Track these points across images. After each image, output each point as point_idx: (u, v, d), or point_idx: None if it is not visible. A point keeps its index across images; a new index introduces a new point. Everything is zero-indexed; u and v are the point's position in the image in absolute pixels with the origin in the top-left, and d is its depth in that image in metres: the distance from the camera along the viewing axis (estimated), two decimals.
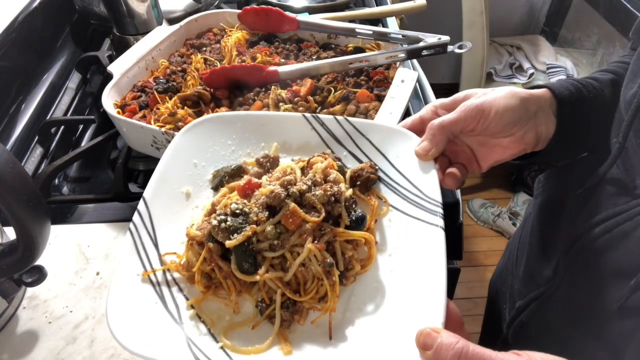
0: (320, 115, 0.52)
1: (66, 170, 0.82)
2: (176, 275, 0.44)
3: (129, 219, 0.69)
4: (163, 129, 0.64)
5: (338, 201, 0.44)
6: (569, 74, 1.87)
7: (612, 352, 0.44)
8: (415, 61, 1.05)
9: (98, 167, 0.83)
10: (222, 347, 0.39)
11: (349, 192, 0.46)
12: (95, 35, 1.12)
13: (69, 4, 1.07)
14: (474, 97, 0.48)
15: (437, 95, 1.01)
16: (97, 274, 0.62)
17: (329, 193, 0.44)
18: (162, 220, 0.45)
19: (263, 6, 0.84)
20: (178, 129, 0.65)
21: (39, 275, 0.55)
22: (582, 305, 0.48)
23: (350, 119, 0.52)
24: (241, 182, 0.46)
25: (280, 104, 0.65)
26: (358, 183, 0.48)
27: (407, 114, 0.86)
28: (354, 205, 0.45)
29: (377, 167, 0.50)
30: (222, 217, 0.42)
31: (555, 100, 0.49)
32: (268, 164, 0.50)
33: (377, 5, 1.17)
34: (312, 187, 0.44)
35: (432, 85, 1.04)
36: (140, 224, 0.44)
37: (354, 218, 0.44)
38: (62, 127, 0.87)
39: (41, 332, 0.56)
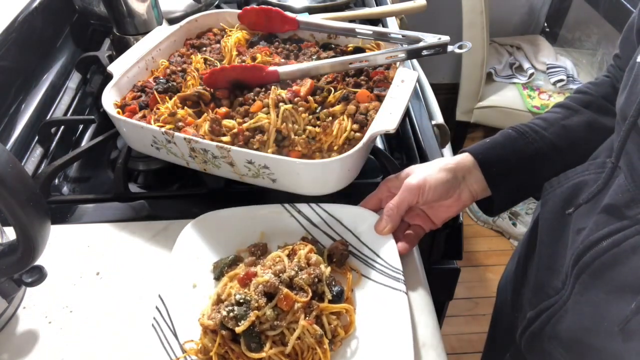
0: (297, 205, 0.64)
1: (66, 170, 0.82)
2: (194, 358, 0.52)
3: (129, 219, 0.70)
4: (163, 129, 0.64)
5: (320, 281, 0.55)
6: (569, 74, 1.87)
7: None
8: (415, 61, 1.05)
9: (98, 167, 0.83)
10: None
11: (328, 270, 0.57)
12: (95, 35, 1.12)
13: (69, 3, 1.07)
14: (413, 175, 0.60)
15: (437, 96, 1.02)
16: (97, 274, 0.62)
17: (312, 275, 0.54)
18: (177, 312, 0.54)
19: (263, 6, 0.84)
20: (178, 129, 0.65)
21: (39, 275, 0.55)
22: (590, 321, 0.47)
23: (322, 205, 0.64)
24: (240, 272, 0.56)
25: (281, 104, 0.65)
26: (334, 260, 0.60)
27: (407, 114, 0.86)
28: (333, 282, 0.57)
29: (347, 243, 0.62)
30: (230, 307, 0.51)
31: (477, 163, 0.59)
32: (259, 252, 0.61)
33: (377, 5, 1.17)
34: (299, 272, 0.55)
35: (432, 85, 1.04)
36: (160, 319, 0.53)
37: (334, 293, 0.55)
38: (62, 127, 0.87)
39: (41, 333, 0.56)
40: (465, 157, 0.60)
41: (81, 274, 0.62)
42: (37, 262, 0.53)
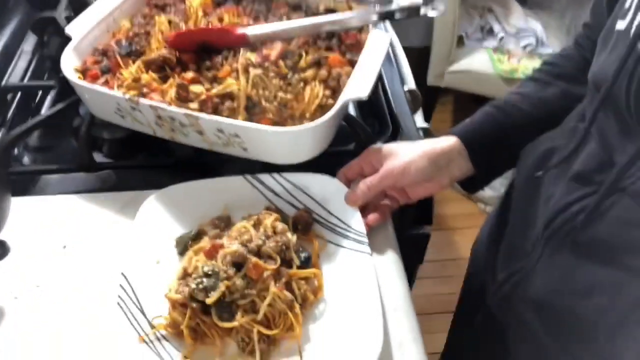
0: (259, 175, 0.64)
1: (26, 140, 0.78)
2: (163, 332, 0.52)
3: (95, 190, 0.68)
4: (127, 96, 0.61)
5: (288, 248, 0.56)
6: (538, 37, 1.88)
7: (587, 328, 0.46)
8: (388, 24, 1.03)
9: (60, 136, 0.80)
10: None
11: (294, 238, 0.57)
12: None
13: None
14: (394, 158, 0.60)
15: (410, 59, 1.00)
16: (64, 247, 0.61)
17: (279, 243, 0.55)
18: (142, 289, 0.54)
19: None
20: (143, 95, 0.62)
21: (2, 250, 0.53)
22: (559, 283, 0.49)
23: (284, 174, 0.64)
24: (205, 245, 0.56)
25: (250, 69, 0.63)
26: (299, 227, 0.61)
27: (379, 79, 0.85)
28: (300, 249, 0.58)
29: (311, 210, 0.63)
30: (199, 279, 0.51)
31: (464, 146, 0.60)
32: (222, 224, 0.61)
33: None
34: (266, 240, 0.55)
35: (404, 48, 1.02)
36: (125, 297, 0.53)
37: (302, 259, 0.56)
38: (20, 93, 0.83)
39: (8, 309, 0.55)
40: (452, 143, 0.60)
41: (47, 248, 0.60)
42: (0, 237, 0.51)
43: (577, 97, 0.57)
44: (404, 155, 0.60)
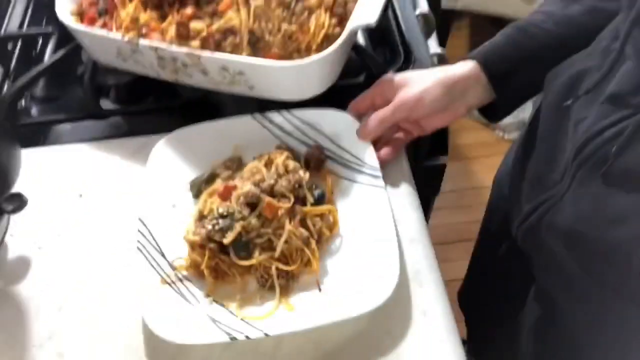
0: (268, 114, 0.63)
1: (32, 90, 0.77)
2: (184, 273, 0.54)
3: (106, 137, 0.68)
4: (126, 38, 0.59)
5: (301, 186, 0.55)
6: None
7: (620, 257, 0.45)
8: None
9: (66, 84, 0.78)
10: (242, 319, 0.50)
11: (307, 175, 0.57)
12: None
13: None
14: (407, 88, 0.57)
15: None
16: (80, 196, 0.61)
17: (292, 182, 0.55)
18: (160, 232, 0.55)
19: None
20: (143, 35, 0.60)
21: (20, 202, 0.53)
22: (588, 211, 0.47)
23: (293, 111, 0.62)
24: (218, 187, 0.56)
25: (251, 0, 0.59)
26: (311, 165, 0.60)
27: (389, 3, 0.81)
28: (313, 186, 0.57)
29: (323, 147, 0.61)
30: (214, 221, 0.52)
31: (485, 73, 0.56)
32: (234, 166, 0.60)
33: None
34: (278, 179, 0.55)
35: None
36: (144, 241, 0.54)
37: (316, 196, 0.56)
38: (20, 42, 0.81)
39: (33, 258, 0.56)
40: (469, 69, 0.57)
41: (64, 198, 0.61)
42: (17, 189, 0.51)
43: (608, 13, 0.52)
44: (417, 84, 0.58)
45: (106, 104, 0.72)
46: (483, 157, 1.80)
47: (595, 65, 0.49)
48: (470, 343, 1.16)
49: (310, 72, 0.58)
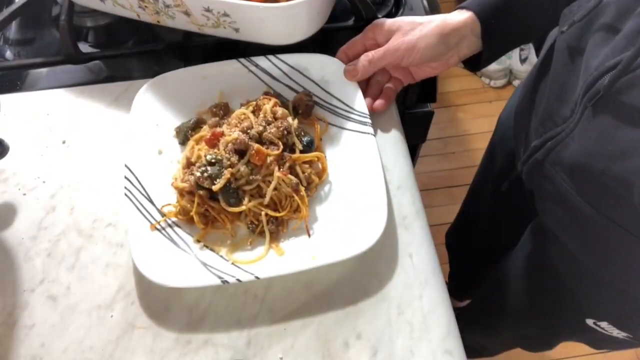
0: (254, 58, 0.61)
1: (5, 32, 0.74)
2: (174, 219, 0.53)
3: (87, 82, 0.66)
4: None
5: (290, 133, 0.55)
6: None
7: (623, 189, 0.45)
8: None
9: (40, 26, 0.75)
10: (232, 263, 0.51)
11: (295, 122, 0.57)
12: None
13: None
14: (401, 34, 0.57)
15: None
16: (64, 142, 0.60)
17: (281, 128, 0.54)
18: (147, 179, 0.54)
19: None
20: None
21: (1, 148, 0.53)
22: (596, 145, 0.47)
23: (281, 56, 0.61)
24: (205, 134, 0.55)
25: None
26: (300, 111, 0.59)
27: None
28: (302, 133, 0.57)
29: (311, 93, 0.60)
30: (203, 168, 0.51)
31: (478, 23, 0.55)
32: (221, 112, 0.59)
33: None
34: (267, 126, 0.54)
35: None
36: (132, 187, 0.53)
37: (305, 143, 0.56)
38: None
39: (18, 204, 0.56)
40: (465, 18, 0.55)
41: (47, 144, 0.60)
42: None
43: None
44: (412, 30, 0.56)
45: (85, 48, 0.69)
46: (469, 104, 1.80)
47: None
48: (452, 283, 1.21)
49: (298, 14, 0.56)
